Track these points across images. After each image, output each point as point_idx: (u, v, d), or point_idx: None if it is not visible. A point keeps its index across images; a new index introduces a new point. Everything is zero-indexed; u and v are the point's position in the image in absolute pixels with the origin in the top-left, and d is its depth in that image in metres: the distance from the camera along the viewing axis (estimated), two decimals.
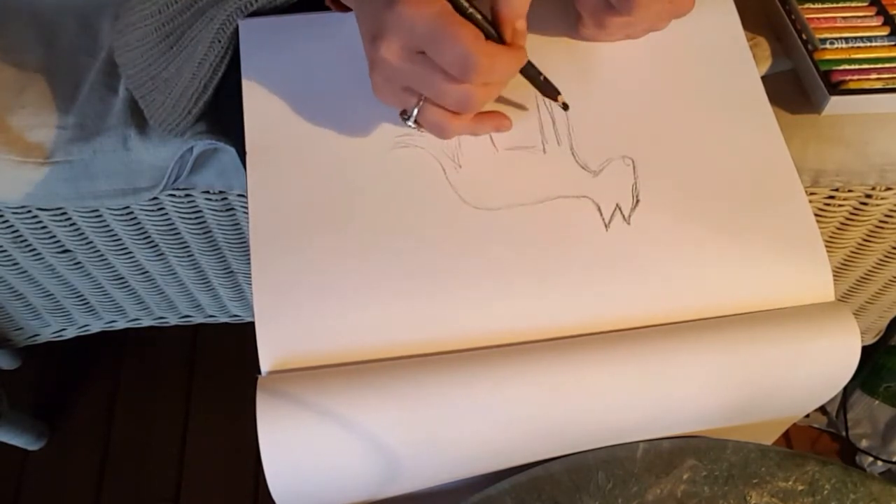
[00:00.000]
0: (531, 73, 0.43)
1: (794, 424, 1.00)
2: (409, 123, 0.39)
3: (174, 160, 0.60)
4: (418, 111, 0.38)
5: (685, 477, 0.39)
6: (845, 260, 0.76)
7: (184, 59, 0.50)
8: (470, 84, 0.36)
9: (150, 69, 0.54)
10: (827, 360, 0.40)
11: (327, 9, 0.46)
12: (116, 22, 0.54)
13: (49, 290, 0.83)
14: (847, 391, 1.00)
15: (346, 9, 0.44)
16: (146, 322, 0.94)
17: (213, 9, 0.48)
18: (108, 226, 0.71)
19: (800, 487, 0.39)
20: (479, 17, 0.37)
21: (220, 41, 0.47)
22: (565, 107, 0.44)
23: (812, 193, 0.64)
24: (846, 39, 0.58)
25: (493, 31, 0.37)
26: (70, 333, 0.94)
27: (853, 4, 0.61)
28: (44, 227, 0.70)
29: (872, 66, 0.57)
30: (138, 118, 0.61)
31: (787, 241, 0.42)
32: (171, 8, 0.50)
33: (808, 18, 0.59)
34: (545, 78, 0.43)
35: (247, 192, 0.42)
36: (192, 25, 0.49)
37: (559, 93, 0.44)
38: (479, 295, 0.39)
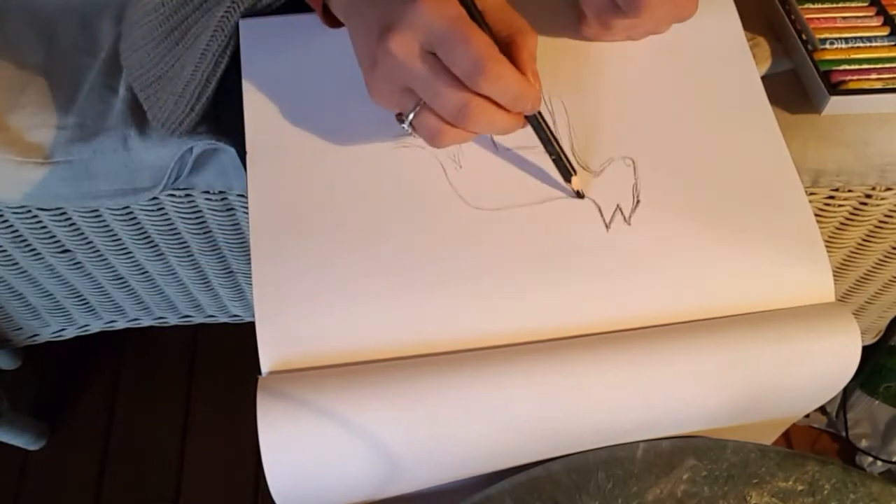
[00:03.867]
0: (543, 134, 0.40)
1: (794, 424, 1.00)
2: (405, 126, 0.38)
3: (174, 160, 0.60)
4: (415, 115, 0.37)
5: (685, 477, 0.39)
6: (845, 260, 0.76)
7: (187, 55, 0.50)
8: (472, 93, 0.35)
9: (156, 68, 0.54)
10: (827, 361, 0.40)
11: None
12: (121, 24, 0.54)
13: (49, 290, 0.83)
14: (847, 391, 1.00)
15: (335, 22, 0.43)
16: (146, 322, 0.94)
17: (215, 3, 0.48)
18: (108, 226, 0.71)
19: (800, 487, 0.40)
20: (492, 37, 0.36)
21: (222, 30, 0.47)
22: (579, 195, 0.42)
23: (812, 193, 0.64)
24: (846, 39, 0.58)
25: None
26: (70, 333, 0.94)
27: (853, 4, 0.61)
28: (44, 227, 0.70)
29: (872, 66, 0.57)
30: (138, 118, 0.61)
31: (787, 241, 0.42)
32: (173, 0, 0.50)
33: (808, 18, 0.59)
34: (563, 153, 0.41)
35: (247, 192, 0.42)
36: (198, 22, 0.49)
37: (573, 173, 0.41)
38: (480, 295, 0.39)
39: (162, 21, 0.51)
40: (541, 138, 0.41)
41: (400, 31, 0.35)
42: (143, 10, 0.53)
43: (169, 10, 0.51)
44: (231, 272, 0.82)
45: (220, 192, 0.66)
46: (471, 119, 0.36)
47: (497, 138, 0.44)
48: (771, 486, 0.39)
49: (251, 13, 0.47)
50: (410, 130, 0.38)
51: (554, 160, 0.41)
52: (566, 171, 0.41)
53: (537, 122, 0.40)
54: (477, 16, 0.36)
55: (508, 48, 0.37)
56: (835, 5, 0.60)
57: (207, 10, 0.48)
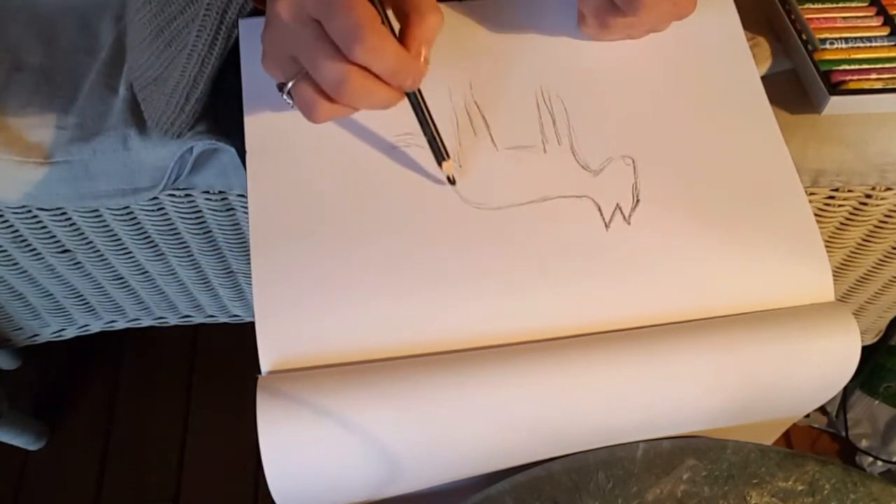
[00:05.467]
0: (420, 114, 0.40)
1: (794, 424, 1.00)
2: (284, 97, 0.37)
3: (174, 160, 0.60)
4: (294, 84, 0.37)
5: (685, 477, 0.39)
6: (845, 260, 0.76)
7: (179, 57, 0.50)
8: (350, 63, 0.34)
9: (152, 69, 0.54)
10: (827, 361, 0.40)
11: None
12: (121, 23, 0.54)
13: (49, 290, 0.83)
14: (847, 391, 1.00)
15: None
16: (146, 322, 0.94)
17: (201, 6, 0.48)
18: (108, 226, 0.71)
19: (800, 487, 0.39)
20: (385, 15, 0.36)
21: (205, 30, 0.47)
22: (451, 181, 0.42)
23: (812, 193, 0.64)
24: (846, 39, 0.58)
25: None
26: (70, 333, 0.94)
27: (853, 4, 0.61)
28: (44, 227, 0.70)
29: (872, 66, 0.57)
30: (138, 118, 0.61)
31: (787, 242, 0.42)
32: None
33: (808, 18, 0.59)
34: (439, 136, 0.41)
35: (246, 191, 0.42)
36: (188, 24, 0.49)
37: (445, 158, 0.41)
38: (480, 295, 0.39)
39: (149, 20, 0.51)
40: (417, 118, 0.40)
41: None
42: (133, 8, 0.53)
43: (154, 8, 0.51)
44: (231, 272, 0.82)
45: (220, 192, 0.66)
46: (348, 92, 0.35)
47: (496, 138, 0.44)
48: (771, 486, 0.39)
49: (235, 13, 0.47)
50: (289, 101, 0.38)
51: (428, 141, 0.41)
52: (439, 155, 0.41)
53: (415, 101, 0.40)
54: None
55: (404, 25, 0.36)
56: (835, 5, 0.60)
57: (195, 12, 0.48)
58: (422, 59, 0.36)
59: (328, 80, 0.35)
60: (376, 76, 0.35)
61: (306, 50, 0.35)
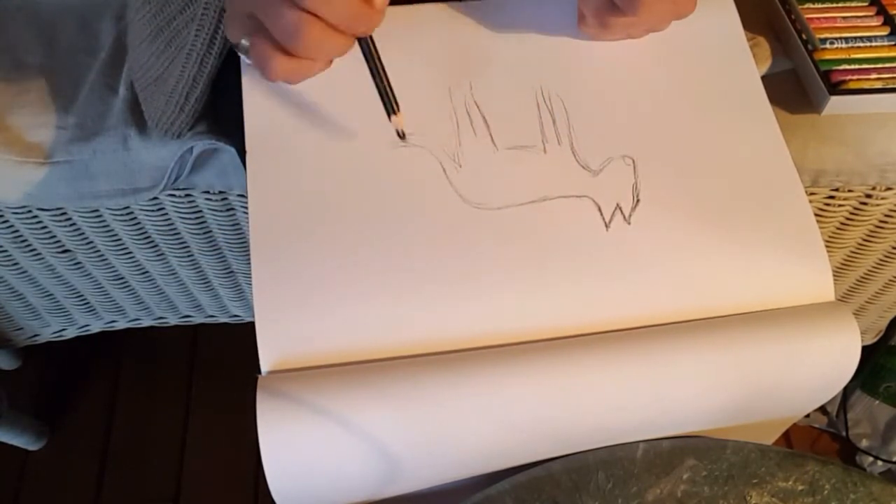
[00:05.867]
0: (371, 64, 0.39)
1: (794, 424, 1.00)
2: (241, 54, 0.37)
3: (174, 160, 0.60)
4: (251, 39, 0.37)
5: (685, 477, 0.39)
6: (845, 260, 0.76)
7: (179, 56, 0.51)
8: (303, 11, 0.34)
9: (153, 69, 0.54)
10: (827, 361, 0.40)
11: None
12: (122, 23, 0.54)
13: (49, 290, 0.83)
14: (847, 391, 1.00)
15: None
16: (146, 322, 0.94)
17: (200, 6, 0.48)
18: (108, 226, 0.71)
19: (800, 487, 0.40)
20: None
21: (203, 29, 0.47)
22: (401, 135, 0.42)
23: (812, 193, 0.64)
24: (846, 39, 0.58)
25: None
26: (70, 333, 0.94)
27: (853, 4, 0.61)
28: (44, 227, 0.70)
29: (872, 66, 0.57)
30: (138, 118, 0.61)
31: (788, 241, 0.42)
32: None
33: (808, 18, 0.59)
34: (390, 88, 0.40)
35: (246, 191, 0.42)
36: (188, 24, 0.49)
37: (395, 112, 0.41)
38: (480, 295, 0.39)
39: (149, 20, 0.52)
40: (369, 67, 0.40)
41: None
42: (133, 8, 0.54)
43: (154, 8, 0.51)
44: (231, 272, 0.82)
45: (220, 192, 0.66)
46: (303, 43, 0.35)
47: (496, 138, 0.44)
48: (771, 486, 0.39)
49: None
50: (248, 60, 0.38)
51: (378, 92, 0.41)
52: (389, 108, 0.41)
53: (367, 48, 0.39)
54: None
55: None
56: (835, 5, 0.61)
57: (194, 12, 0.49)
58: (375, 6, 0.36)
59: (282, 31, 0.35)
60: (330, 25, 0.35)
61: (261, 2, 0.35)
